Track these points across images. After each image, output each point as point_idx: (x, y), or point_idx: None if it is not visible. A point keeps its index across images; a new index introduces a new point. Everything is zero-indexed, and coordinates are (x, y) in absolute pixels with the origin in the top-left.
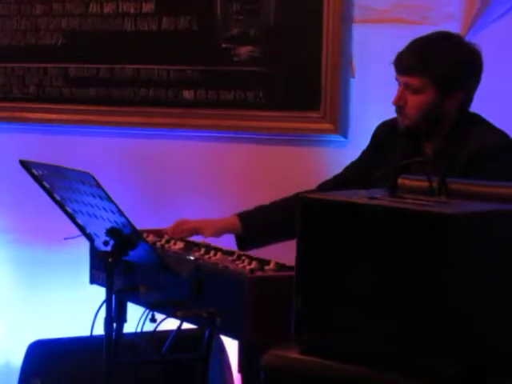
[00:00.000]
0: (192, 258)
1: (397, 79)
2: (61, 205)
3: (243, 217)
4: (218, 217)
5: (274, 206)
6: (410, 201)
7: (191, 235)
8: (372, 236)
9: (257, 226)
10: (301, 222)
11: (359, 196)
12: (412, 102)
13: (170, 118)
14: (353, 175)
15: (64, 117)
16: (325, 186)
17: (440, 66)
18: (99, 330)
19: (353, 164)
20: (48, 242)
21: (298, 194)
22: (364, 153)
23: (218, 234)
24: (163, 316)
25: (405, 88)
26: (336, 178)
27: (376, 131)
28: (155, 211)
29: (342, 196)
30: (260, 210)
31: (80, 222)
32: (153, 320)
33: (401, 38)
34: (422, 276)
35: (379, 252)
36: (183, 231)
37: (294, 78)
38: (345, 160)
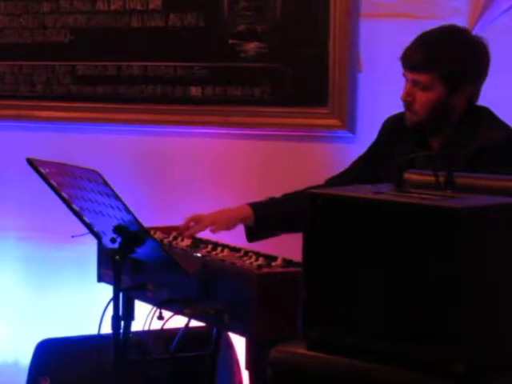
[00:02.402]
0: (199, 254)
1: (404, 75)
2: (68, 203)
3: (256, 207)
4: None
5: (285, 198)
6: (416, 195)
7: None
8: (378, 231)
9: (269, 218)
10: (307, 218)
11: (365, 191)
12: (421, 99)
13: (178, 115)
14: (360, 170)
15: (71, 115)
16: (332, 182)
17: (448, 62)
18: (107, 328)
19: (360, 158)
20: (55, 240)
21: (307, 189)
22: (371, 147)
23: (232, 226)
24: (171, 313)
25: (413, 84)
26: (344, 173)
27: (384, 125)
28: (162, 208)
29: (349, 191)
30: (272, 202)
31: (87, 219)
32: (160, 318)
33: (408, 33)
34: (428, 271)
35: (386, 247)
36: (197, 229)
37: (301, 74)
38: (352, 156)
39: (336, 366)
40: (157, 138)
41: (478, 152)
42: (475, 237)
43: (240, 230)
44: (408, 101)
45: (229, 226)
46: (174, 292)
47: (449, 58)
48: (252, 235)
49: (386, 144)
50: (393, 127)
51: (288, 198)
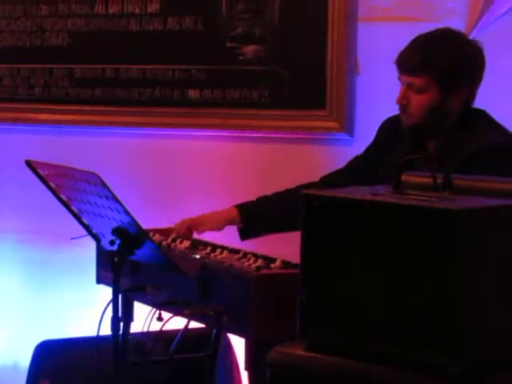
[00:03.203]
0: (198, 256)
1: (399, 79)
2: (67, 205)
3: (242, 208)
4: None
5: (275, 196)
6: (413, 197)
7: (192, 231)
8: (376, 232)
9: (256, 217)
10: (304, 220)
11: (363, 192)
12: (416, 102)
13: (176, 118)
14: (357, 169)
15: (70, 117)
16: (328, 180)
17: (442, 64)
18: (106, 329)
19: (357, 158)
20: (54, 242)
21: (300, 186)
22: (369, 147)
23: (219, 227)
24: (170, 315)
25: (408, 87)
26: (339, 171)
27: (382, 126)
28: (161, 211)
29: (346, 193)
30: (260, 201)
31: (86, 221)
32: (159, 319)
33: (405, 36)
34: (425, 272)
35: (384, 248)
36: (185, 230)
37: (299, 77)
38: (350, 158)
39: (334, 367)
40: (155, 140)
41: (473, 156)
42: (473, 238)
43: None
44: (403, 104)
45: (215, 227)
46: (173, 293)
47: (443, 60)
48: (243, 234)
49: (384, 145)
50: (391, 128)
51: (278, 196)
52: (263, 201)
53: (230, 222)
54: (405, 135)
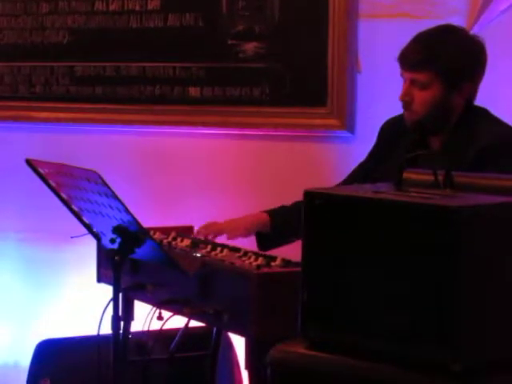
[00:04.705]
0: (199, 254)
1: (402, 75)
2: (67, 203)
3: (272, 214)
4: (224, 213)
5: (296, 205)
6: (414, 194)
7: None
8: (377, 230)
9: (283, 225)
10: (306, 217)
11: (364, 190)
12: (419, 98)
13: (176, 116)
14: (365, 174)
15: (70, 115)
16: None
17: (446, 59)
18: (107, 328)
19: (362, 164)
20: (55, 240)
21: None
22: (372, 150)
23: (250, 231)
24: (170, 314)
25: (411, 84)
26: (347, 180)
27: (382, 127)
28: (162, 209)
29: (347, 190)
30: (284, 210)
31: (86, 220)
32: (160, 318)
33: (406, 33)
34: (427, 270)
35: (385, 246)
36: (209, 233)
37: (300, 74)
38: (352, 156)
39: (335, 366)
40: (156, 138)
41: (483, 152)
42: (474, 236)
43: None
44: (406, 100)
45: (247, 231)
46: (174, 292)
47: (446, 55)
48: (266, 243)
49: (385, 145)
50: (391, 129)
51: (299, 205)
52: (286, 209)
53: (260, 227)
54: (406, 135)
